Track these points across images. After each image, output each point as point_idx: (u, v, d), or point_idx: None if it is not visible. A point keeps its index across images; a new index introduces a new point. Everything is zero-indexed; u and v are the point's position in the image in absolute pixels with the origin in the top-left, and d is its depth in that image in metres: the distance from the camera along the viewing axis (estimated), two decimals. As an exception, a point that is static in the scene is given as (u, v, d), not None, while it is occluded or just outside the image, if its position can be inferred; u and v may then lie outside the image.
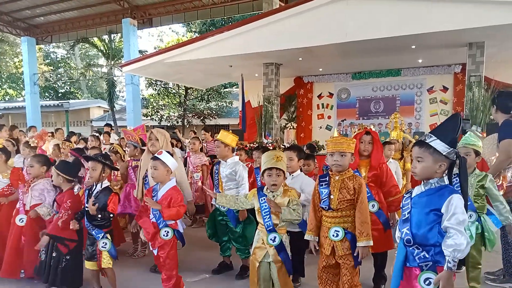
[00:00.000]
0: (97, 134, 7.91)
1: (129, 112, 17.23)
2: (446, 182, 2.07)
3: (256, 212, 3.14)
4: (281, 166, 3.02)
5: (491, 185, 3.27)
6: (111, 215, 3.48)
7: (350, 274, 2.79)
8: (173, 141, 8.51)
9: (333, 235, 2.78)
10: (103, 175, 3.59)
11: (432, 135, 2.08)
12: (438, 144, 2.04)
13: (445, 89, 12.99)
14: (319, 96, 14.92)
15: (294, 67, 12.96)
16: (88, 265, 3.55)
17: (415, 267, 2.07)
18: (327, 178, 2.90)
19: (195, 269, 4.35)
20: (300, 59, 11.72)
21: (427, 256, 2.02)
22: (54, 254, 3.60)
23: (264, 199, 3.05)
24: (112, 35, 21.74)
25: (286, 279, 3.04)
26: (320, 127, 14.86)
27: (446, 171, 2.09)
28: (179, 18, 18.35)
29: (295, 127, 14.26)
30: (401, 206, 2.24)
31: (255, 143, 11.08)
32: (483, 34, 8.97)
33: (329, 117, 14.79)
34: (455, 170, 2.11)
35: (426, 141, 2.09)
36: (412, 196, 2.15)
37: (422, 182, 2.14)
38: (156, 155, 3.39)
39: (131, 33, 17.17)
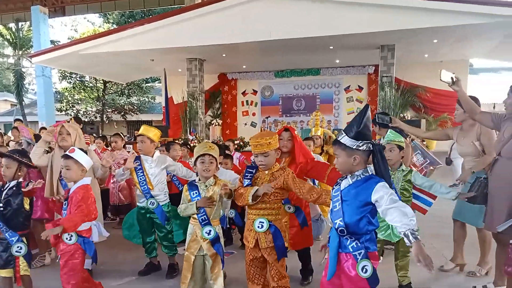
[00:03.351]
0: (2, 131, 7.21)
1: (40, 106, 15.94)
2: (370, 172, 2.20)
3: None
4: (214, 153, 3.02)
5: (416, 176, 3.47)
6: (26, 210, 3.17)
7: (277, 267, 2.86)
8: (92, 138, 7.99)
9: (258, 227, 2.81)
10: (19, 173, 3.25)
11: (342, 133, 2.25)
12: (346, 140, 2.18)
13: (360, 88, 13.87)
14: (243, 93, 15.09)
15: (218, 63, 12.96)
16: (3, 273, 3.17)
17: (347, 253, 2.20)
18: (254, 171, 2.91)
19: (120, 272, 4.13)
20: (224, 55, 11.75)
21: (359, 244, 2.16)
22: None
23: (196, 192, 3.01)
24: (20, 24, 19.96)
25: (220, 271, 3.03)
26: (245, 124, 15.06)
27: (371, 161, 2.22)
28: (95, 7, 17.36)
29: (220, 123, 14.29)
30: (331, 197, 2.33)
31: (180, 139, 10.90)
32: (394, 37, 9.72)
33: (253, 114, 15.04)
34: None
35: (338, 139, 2.26)
36: (341, 188, 2.26)
37: (350, 175, 2.25)
38: (67, 153, 3.04)
39: (42, 21, 15.87)
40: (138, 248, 4.33)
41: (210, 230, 2.98)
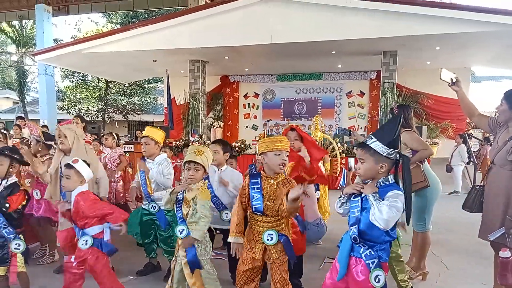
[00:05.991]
0: (5, 132, 7.19)
1: (42, 104, 15.96)
2: (391, 181, 2.13)
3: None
4: (200, 160, 2.88)
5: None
6: (19, 209, 3.17)
7: (281, 273, 2.74)
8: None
9: (268, 239, 2.69)
10: (11, 170, 3.27)
11: (372, 137, 2.12)
12: (378, 146, 2.08)
13: (362, 93, 13.87)
14: (245, 96, 15.11)
15: (221, 65, 12.98)
16: (-1, 271, 3.19)
17: (357, 257, 2.14)
18: (258, 180, 2.72)
19: (119, 271, 4.07)
20: (227, 58, 11.77)
21: (372, 253, 2.10)
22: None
23: (180, 193, 2.96)
24: (24, 21, 20.00)
25: (189, 278, 2.85)
26: (247, 127, 15.06)
27: (393, 169, 2.15)
28: (99, 7, 17.39)
29: (222, 125, 14.30)
30: (350, 204, 2.24)
31: (181, 140, 10.92)
32: (396, 44, 9.73)
33: (255, 117, 15.04)
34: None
35: (367, 143, 2.14)
36: (362, 196, 2.16)
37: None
38: (71, 163, 3.05)
39: (45, 20, 15.92)
40: (138, 247, 4.32)
41: (182, 229, 2.86)
